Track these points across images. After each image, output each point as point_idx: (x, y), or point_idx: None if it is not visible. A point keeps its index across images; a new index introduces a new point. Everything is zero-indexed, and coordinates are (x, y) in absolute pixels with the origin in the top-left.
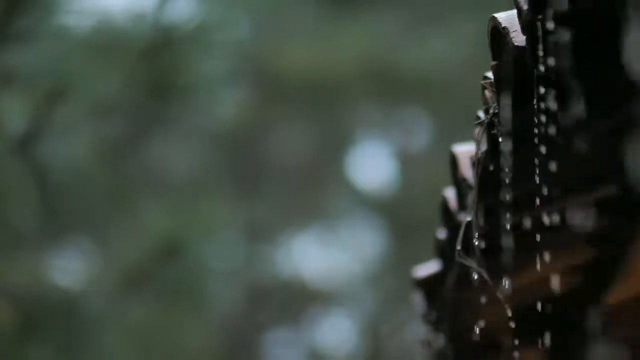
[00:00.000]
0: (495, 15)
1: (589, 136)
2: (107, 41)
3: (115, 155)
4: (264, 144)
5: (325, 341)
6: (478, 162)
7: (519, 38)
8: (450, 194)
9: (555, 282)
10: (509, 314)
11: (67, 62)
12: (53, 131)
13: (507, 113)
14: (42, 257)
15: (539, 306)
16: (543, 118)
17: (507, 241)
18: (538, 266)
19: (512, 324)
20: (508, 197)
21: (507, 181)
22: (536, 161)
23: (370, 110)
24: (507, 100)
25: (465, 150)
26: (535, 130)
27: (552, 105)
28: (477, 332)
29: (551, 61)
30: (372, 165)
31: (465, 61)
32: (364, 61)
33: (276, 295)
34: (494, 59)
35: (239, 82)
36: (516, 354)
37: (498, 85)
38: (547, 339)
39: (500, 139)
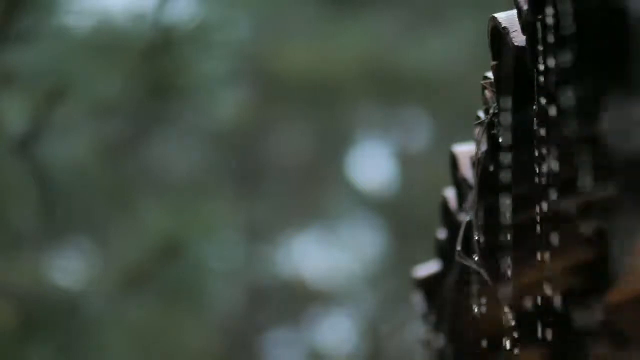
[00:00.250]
0: (495, 15)
1: (589, 136)
2: (107, 41)
3: (115, 155)
4: (264, 144)
5: (325, 341)
6: (478, 162)
7: (519, 38)
8: (450, 194)
9: (555, 282)
10: (509, 314)
11: (67, 62)
12: (53, 131)
13: (507, 113)
14: (42, 257)
15: (539, 306)
16: (543, 118)
17: (507, 241)
18: (538, 266)
19: (512, 324)
20: (508, 197)
21: (507, 181)
22: (536, 161)
23: (370, 110)
24: (507, 100)
25: (465, 150)
26: (535, 130)
27: (552, 105)
28: (477, 332)
29: (551, 61)
30: (372, 165)
31: (465, 61)
32: (364, 61)
33: (276, 295)
34: (494, 59)
35: (239, 82)
36: (516, 354)
37: (498, 85)
38: (547, 339)
39: (500, 139)
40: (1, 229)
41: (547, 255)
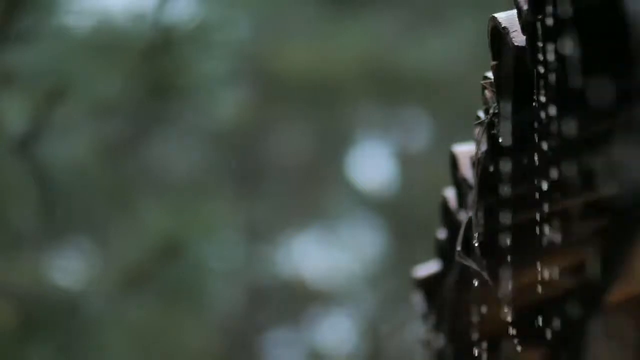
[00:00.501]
0: (495, 15)
1: (589, 136)
2: (107, 41)
3: (115, 155)
4: (264, 144)
5: (325, 341)
6: (478, 162)
7: (519, 38)
8: (450, 194)
9: (555, 282)
10: (509, 313)
11: (67, 62)
12: (53, 131)
13: (507, 113)
14: (42, 257)
15: (538, 306)
16: (543, 118)
17: (507, 241)
18: (538, 266)
19: (512, 324)
20: (508, 197)
21: (507, 181)
22: (536, 161)
23: (370, 110)
24: (507, 100)
25: (465, 150)
26: (535, 130)
27: (552, 105)
28: (477, 332)
29: (551, 61)
30: (372, 165)
31: (465, 61)
32: (364, 61)
33: (276, 295)
34: (494, 59)
35: (239, 82)
36: (516, 354)
37: (498, 85)
38: (547, 338)
39: (500, 139)
40: (1, 229)
41: (547, 255)
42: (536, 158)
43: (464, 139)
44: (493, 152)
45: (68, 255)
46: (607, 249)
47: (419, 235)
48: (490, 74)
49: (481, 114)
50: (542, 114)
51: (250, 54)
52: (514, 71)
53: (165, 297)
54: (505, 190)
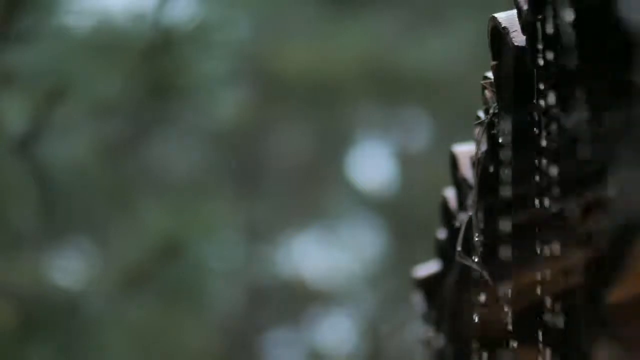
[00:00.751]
0: (495, 15)
1: (589, 136)
2: (107, 41)
3: (115, 155)
4: (264, 144)
5: (325, 341)
6: (478, 162)
7: (519, 38)
8: (450, 194)
9: (555, 282)
10: (509, 313)
11: (67, 62)
12: (53, 131)
13: (507, 113)
14: (42, 257)
15: (539, 306)
16: (543, 118)
17: (507, 241)
18: (538, 266)
19: (512, 324)
20: (508, 197)
21: (507, 181)
22: (536, 161)
23: (370, 110)
24: (507, 100)
25: (465, 150)
26: (535, 130)
27: (552, 105)
28: (477, 332)
29: (551, 61)
30: (372, 165)
31: (465, 61)
32: (364, 61)
33: (276, 295)
34: (494, 59)
35: (239, 82)
36: (516, 354)
37: (498, 85)
38: (547, 339)
39: (500, 139)
40: (1, 229)
41: (547, 255)
42: (536, 158)
43: (464, 139)
44: (493, 152)
45: (68, 255)
46: (607, 249)
47: (419, 235)
48: (490, 74)
49: (481, 114)
50: (542, 114)
51: (250, 54)
52: (514, 71)
53: (165, 297)
54: (505, 190)
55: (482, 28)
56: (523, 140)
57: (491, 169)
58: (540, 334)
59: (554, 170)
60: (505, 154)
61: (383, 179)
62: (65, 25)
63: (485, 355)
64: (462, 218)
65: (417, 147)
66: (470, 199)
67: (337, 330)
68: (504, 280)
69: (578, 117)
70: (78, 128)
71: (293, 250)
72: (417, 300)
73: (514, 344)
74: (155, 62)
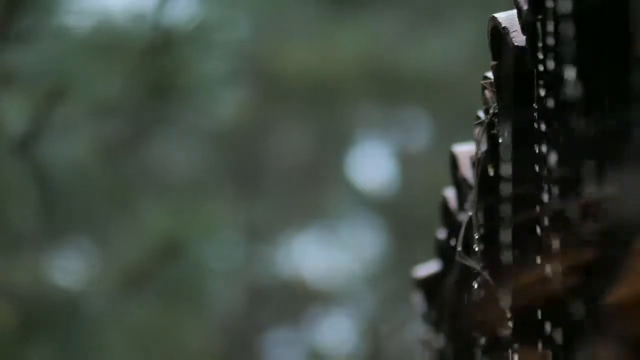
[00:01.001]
0: (495, 15)
1: (589, 136)
2: (107, 41)
3: (115, 155)
4: (264, 144)
5: (325, 341)
6: (478, 162)
7: (519, 38)
8: (450, 194)
9: (555, 282)
10: (509, 314)
11: (67, 62)
12: (53, 131)
13: (507, 113)
14: (42, 257)
15: (539, 306)
16: (543, 118)
17: (507, 241)
18: (538, 266)
19: (512, 324)
20: (508, 197)
21: (507, 181)
22: (536, 161)
23: (370, 110)
24: (507, 100)
25: (465, 150)
26: (535, 130)
27: (552, 105)
28: (477, 332)
29: (551, 61)
30: (372, 165)
31: (465, 61)
32: (364, 61)
33: (276, 295)
34: (494, 59)
35: (239, 82)
36: (516, 354)
37: (498, 85)
38: (547, 339)
39: (500, 139)
40: (1, 229)
41: (547, 255)
42: (536, 158)
43: (464, 139)
44: (493, 152)
45: (68, 255)
46: (607, 249)
47: (419, 235)
48: (490, 74)
49: (481, 114)
50: (542, 114)
51: (250, 54)
52: (514, 71)
53: (165, 297)
54: (505, 190)
55: (482, 28)
56: (523, 140)
57: (491, 169)
58: (540, 334)
59: (553, 170)
60: (505, 154)
61: (383, 179)
62: (65, 25)
63: (485, 355)
64: (462, 218)
65: (417, 147)
66: (470, 199)
67: (337, 330)
68: (504, 280)
69: (578, 117)
70: (78, 128)
71: (293, 250)
72: (417, 300)
73: (514, 344)
74: (155, 62)
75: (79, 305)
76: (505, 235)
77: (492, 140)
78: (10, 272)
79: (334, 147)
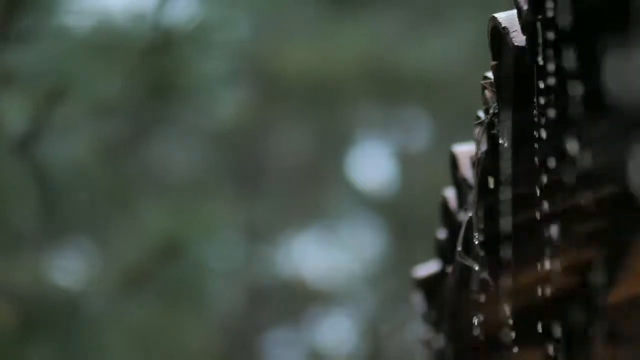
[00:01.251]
0: (495, 15)
1: (589, 136)
2: (107, 41)
3: (115, 155)
4: (264, 144)
5: (325, 341)
6: (478, 162)
7: (519, 38)
8: (450, 194)
9: (555, 282)
10: (509, 313)
11: (67, 62)
12: (53, 131)
13: (507, 113)
14: (42, 257)
15: (539, 306)
16: (543, 118)
17: (507, 241)
18: (538, 266)
19: (513, 324)
20: (508, 197)
21: (507, 181)
22: (536, 161)
23: (370, 110)
24: (507, 100)
25: (465, 150)
26: (535, 130)
27: (552, 105)
28: (477, 332)
29: (551, 61)
30: (372, 165)
31: (465, 61)
32: (364, 61)
33: (276, 295)
34: (494, 59)
35: (239, 82)
36: (516, 354)
37: (498, 85)
38: (547, 338)
39: (500, 139)
40: (1, 229)
41: (547, 256)
42: (536, 158)
43: (464, 139)
44: (493, 152)
45: (68, 255)
46: (607, 249)
47: (419, 235)
48: (490, 74)
49: (481, 114)
50: (542, 114)
51: (250, 54)
52: (514, 71)
53: (165, 297)
54: (505, 190)
55: (482, 28)
56: (523, 140)
57: (491, 169)
58: (540, 333)
59: (553, 170)
60: (505, 154)
61: (383, 179)
62: (65, 25)
63: (485, 355)
64: (462, 218)
65: (417, 147)
66: (470, 199)
67: (337, 330)
68: (504, 280)
69: (577, 116)
70: (78, 128)
71: (293, 250)
72: (417, 300)
73: (514, 344)
74: (155, 62)
75: (79, 305)
76: (505, 236)
77: (492, 140)
78: (10, 272)
79: (334, 147)
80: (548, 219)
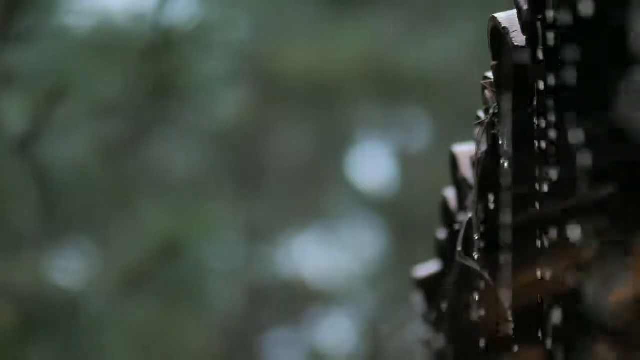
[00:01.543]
0: (495, 15)
1: (588, 136)
2: (107, 41)
3: (115, 155)
4: (264, 144)
5: (325, 341)
6: (478, 162)
7: (519, 38)
8: (450, 194)
9: (555, 282)
10: (509, 314)
11: (67, 62)
12: (53, 131)
13: (507, 113)
14: (42, 257)
15: (538, 306)
16: (543, 118)
17: (507, 241)
18: (538, 266)
19: (513, 324)
20: (508, 197)
21: (507, 181)
22: (536, 161)
23: (370, 110)
24: (507, 100)
25: (465, 150)
26: (535, 130)
27: (552, 105)
28: (477, 332)
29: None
30: (372, 165)
31: (465, 61)
32: (364, 61)
33: (276, 295)
34: (494, 59)
35: (239, 82)
36: (516, 354)
37: (498, 85)
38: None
39: (500, 139)
40: (1, 229)
41: (547, 256)
42: (536, 158)
43: (464, 139)
44: (493, 152)
45: (68, 255)
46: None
47: (419, 235)
48: (490, 74)
49: (481, 114)
50: (542, 114)
51: (250, 54)
52: (514, 71)
53: (165, 297)
54: (505, 190)
55: (482, 28)
56: (523, 140)
57: (491, 169)
58: (540, 334)
59: (553, 171)
60: (505, 154)
61: (383, 179)
62: (65, 25)
63: (485, 355)
64: (462, 218)
65: (417, 147)
66: (470, 199)
67: (337, 330)
68: (504, 280)
69: (577, 116)
70: (78, 128)
71: (293, 250)
72: (417, 300)
73: (514, 344)
74: (155, 62)
75: (79, 305)
76: (505, 236)
77: (492, 140)
78: (10, 272)
79: (334, 147)
80: (548, 219)
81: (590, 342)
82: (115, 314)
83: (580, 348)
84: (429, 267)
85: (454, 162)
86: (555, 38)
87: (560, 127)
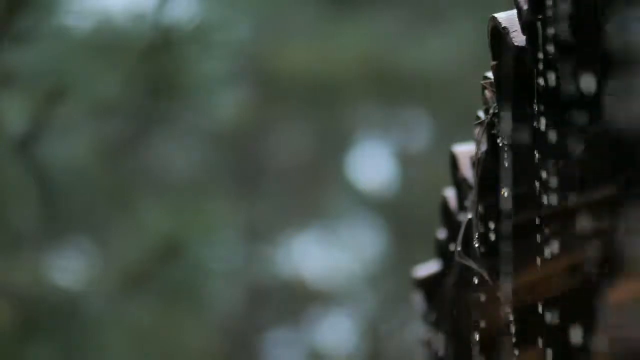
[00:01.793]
0: (495, 15)
1: (588, 136)
2: (107, 41)
3: (115, 155)
4: (264, 144)
5: (325, 341)
6: (478, 162)
7: (519, 38)
8: (450, 194)
9: (555, 282)
10: (509, 314)
11: (67, 62)
12: (53, 131)
13: (507, 113)
14: (42, 257)
15: (539, 306)
16: (543, 118)
17: (507, 241)
18: (538, 266)
19: (512, 324)
20: (508, 197)
21: (507, 181)
22: (536, 161)
23: (370, 110)
24: (507, 100)
25: (465, 150)
26: (535, 130)
27: (552, 104)
28: (477, 332)
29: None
30: (372, 165)
31: (465, 61)
32: (364, 61)
33: (276, 295)
34: (494, 59)
35: (239, 82)
36: (516, 354)
37: (498, 85)
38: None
39: (500, 139)
40: (1, 229)
41: (547, 255)
42: (536, 158)
43: (464, 139)
44: (493, 152)
45: (68, 255)
46: (607, 248)
47: (419, 235)
48: (490, 74)
49: (481, 114)
50: (542, 114)
51: (250, 54)
52: (514, 71)
53: (165, 297)
54: (505, 190)
55: (482, 28)
56: (523, 140)
57: (491, 169)
58: (540, 333)
59: (553, 170)
60: (505, 154)
61: (383, 179)
62: (65, 25)
63: (485, 355)
64: (462, 218)
65: (417, 147)
66: (470, 199)
67: (337, 330)
68: (503, 280)
69: (577, 115)
70: (78, 128)
71: (293, 250)
72: (417, 300)
73: (514, 344)
74: (155, 62)
75: (79, 305)
76: (505, 235)
77: (492, 140)
78: (10, 272)
79: (334, 147)
80: (548, 218)
81: (591, 343)
82: (115, 314)
83: (580, 348)
84: (429, 267)
85: (454, 162)
86: (555, 37)
87: (560, 126)
